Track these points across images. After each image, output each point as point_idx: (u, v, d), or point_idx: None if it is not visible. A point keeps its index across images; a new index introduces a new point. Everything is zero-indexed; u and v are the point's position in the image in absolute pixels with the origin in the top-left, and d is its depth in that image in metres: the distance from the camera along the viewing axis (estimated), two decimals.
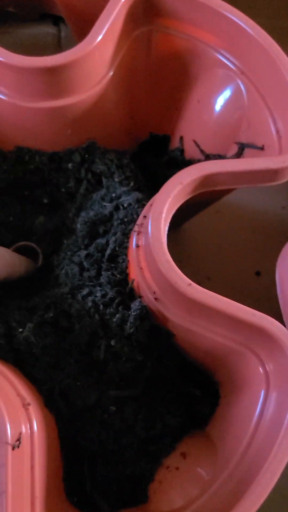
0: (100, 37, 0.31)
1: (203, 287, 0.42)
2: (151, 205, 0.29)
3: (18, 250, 0.36)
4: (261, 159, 0.29)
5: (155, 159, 0.40)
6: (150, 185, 0.38)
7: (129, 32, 0.34)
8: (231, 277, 0.44)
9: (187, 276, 0.26)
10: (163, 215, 0.27)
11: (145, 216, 0.30)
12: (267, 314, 0.40)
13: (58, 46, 0.49)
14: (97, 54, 0.32)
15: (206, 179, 0.28)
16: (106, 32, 0.32)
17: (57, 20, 0.50)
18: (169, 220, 0.28)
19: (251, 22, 0.33)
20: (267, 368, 0.27)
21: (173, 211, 0.28)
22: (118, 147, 0.39)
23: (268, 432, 0.26)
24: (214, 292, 0.42)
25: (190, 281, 0.26)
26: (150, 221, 0.27)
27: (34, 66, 0.31)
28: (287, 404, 0.25)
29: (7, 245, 0.37)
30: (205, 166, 0.28)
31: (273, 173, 0.29)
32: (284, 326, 0.25)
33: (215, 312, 0.26)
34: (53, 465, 0.27)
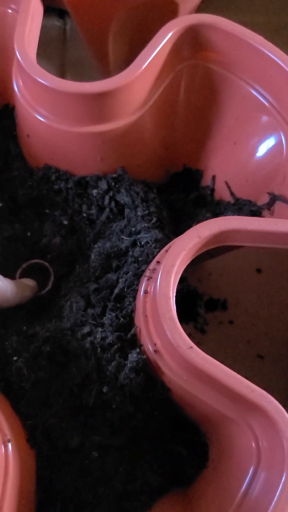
0: (143, 67, 0.30)
1: (204, 283, 0.43)
2: (166, 251, 0.28)
3: (31, 267, 0.36)
4: (287, 221, 0.27)
5: (184, 194, 0.39)
6: (174, 221, 0.37)
7: (173, 66, 0.33)
8: (232, 273, 0.44)
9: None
10: (175, 269, 0.26)
11: (158, 262, 0.28)
12: (268, 312, 0.40)
13: (64, 39, 0.49)
14: (137, 84, 0.31)
15: (226, 235, 0.27)
16: (149, 63, 0.31)
17: (62, 13, 0.49)
18: (181, 273, 0.27)
19: None
20: (260, 445, 0.26)
21: (187, 263, 0.27)
22: (148, 178, 0.38)
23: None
24: (216, 286, 0.43)
25: (191, 344, 0.25)
26: (160, 272, 0.26)
27: (74, 92, 0.30)
28: (275, 488, 0.24)
29: (21, 260, 0.36)
30: (227, 221, 0.27)
31: None
32: None
33: (213, 379, 0.24)
34: (25, 506, 0.26)
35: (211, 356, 0.41)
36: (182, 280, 0.43)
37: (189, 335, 0.41)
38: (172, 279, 0.25)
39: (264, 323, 0.42)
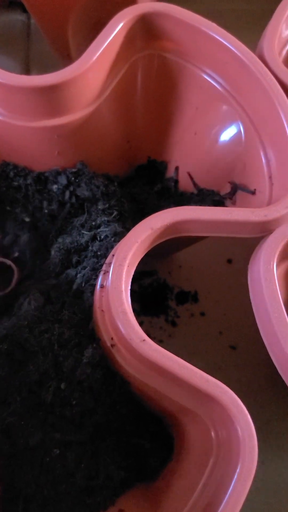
0: (94, 58, 0.30)
1: (174, 275, 0.43)
2: None
3: None
4: (241, 210, 0.27)
5: (148, 186, 0.39)
6: (138, 214, 0.37)
7: (128, 56, 0.33)
8: (203, 264, 0.43)
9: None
10: (127, 261, 0.25)
11: (113, 255, 0.28)
12: (240, 303, 0.40)
13: (28, 34, 0.49)
14: (89, 76, 0.31)
15: (180, 225, 0.27)
16: (101, 54, 0.30)
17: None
18: (135, 266, 0.26)
19: (255, 58, 0.31)
20: (220, 435, 0.26)
21: (141, 256, 0.27)
22: (111, 171, 0.37)
23: (208, 507, 0.24)
24: (186, 278, 0.43)
25: (144, 337, 0.24)
26: (112, 266, 0.25)
27: (23, 86, 0.29)
28: (231, 479, 0.24)
29: None
30: (180, 212, 0.26)
31: (253, 226, 0.27)
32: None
33: (168, 372, 0.24)
34: None
35: (183, 348, 0.41)
36: (152, 274, 0.43)
37: (160, 328, 0.41)
38: (124, 272, 0.25)
39: (236, 313, 0.42)
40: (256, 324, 0.30)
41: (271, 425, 0.39)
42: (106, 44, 0.30)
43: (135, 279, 0.43)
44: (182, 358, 0.25)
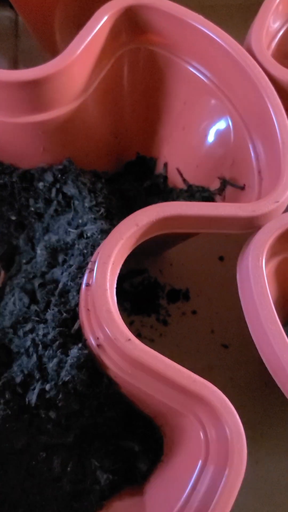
0: (78, 52, 0.29)
1: (165, 273, 0.42)
2: None
3: None
4: (228, 205, 0.26)
5: (137, 183, 0.38)
6: (127, 210, 0.36)
7: (113, 50, 0.32)
8: (194, 262, 0.43)
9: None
10: (112, 259, 0.25)
11: (99, 253, 0.27)
12: (231, 300, 0.40)
13: (16, 31, 0.48)
14: (74, 70, 0.30)
15: (166, 222, 0.26)
16: (84, 48, 0.30)
17: None
18: (120, 264, 0.26)
19: (242, 51, 0.30)
20: (209, 435, 0.25)
21: (127, 253, 0.26)
22: (99, 167, 0.37)
23: (197, 510, 0.23)
24: (177, 276, 0.42)
25: (130, 336, 0.24)
26: (96, 264, 0.25)
27: (4, 80, 0.29)
28: (220, 481, 0.23)
29: None
30: (166, 207, 0.26)
31: (241, 221, 0.27)
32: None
33: (154, 371, 0.24)
34: None
35: (175, 347, 0.41)
36: (143, 272, 0.42)
37: (151, 327, 0.41)
38: (108, 270, 0.25)
39: (228, 312, 0.42)
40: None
41: (264, 424, 0.39)
42: (90, 37, 0.30)
43: (126, 278, 0.43)
44: (173, 357, 0.24)
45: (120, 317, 0.25)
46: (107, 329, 0.24)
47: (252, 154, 0.31)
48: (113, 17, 0.30)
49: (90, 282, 0.27)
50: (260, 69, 0.30)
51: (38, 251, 0.32)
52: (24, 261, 0.33)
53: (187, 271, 0.43)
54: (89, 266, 0.27)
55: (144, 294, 0.41)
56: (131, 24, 0.31)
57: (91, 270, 0.27)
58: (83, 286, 0.27)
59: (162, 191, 0.37)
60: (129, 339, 0.23)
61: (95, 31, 0.30)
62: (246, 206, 0.26)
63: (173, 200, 0.36)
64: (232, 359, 0.40)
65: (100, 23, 0.30)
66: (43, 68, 0.28)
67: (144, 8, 0.31)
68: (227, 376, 0.40)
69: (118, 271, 0.26)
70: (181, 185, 0.36)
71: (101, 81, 0.32)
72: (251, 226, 0.27)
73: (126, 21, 0.31)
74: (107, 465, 0.27)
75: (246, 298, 0.26)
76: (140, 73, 0.34)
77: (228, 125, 0.32)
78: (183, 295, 0.42)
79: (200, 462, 0.25)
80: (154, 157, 0.39)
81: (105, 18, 0.30)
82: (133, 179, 0.38)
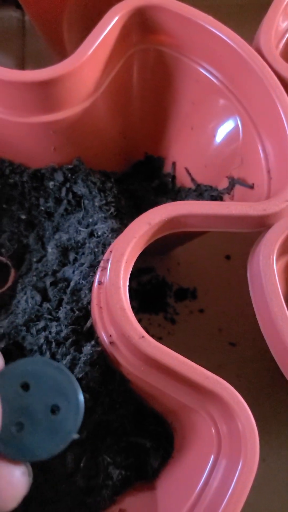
0: (89, 53, 0.30)
1: (173, 272, 0.42)
2: None
3: None
4: (239, 204, 0.27)
5: (146, 182, 0.38)
6: (135, 210, 0.36)
7: (123, 50, 0.32)
8: (201, 261, 0.43)
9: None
10: (125, 257, 0.25)
11: (111, 251, 0.28)
12: (239, 299, 0.40)
13: (23, 31, 0.48)
14: (84, 71, 0.30)
15: (178, 220, 0.26)
16: (96, 49, 0.30)
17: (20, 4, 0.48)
18: (133, 262, 0.26)
19: (252, 51, 0.30)
20: (220, 431, 0.25)
21: (139, 251, 0.27)
22: (108, 167, 0.37)
23: (210, 504, 0.24)
24: (185, 275, 0.42)
25: (143, 333, 0.24)
26: (109, 262, 0.25)
27: (17, 80, 0.29)
28: (233, 476, 0.23)
29: None
30: (177, 207, 0.26)
31: (252, 220, 0.27)
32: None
33: (167, 368, 0.24)
34: None
35: (182, 346, 0.41)
36: (151, 270, 0.43)
37: (159, 325, 0.41)
38: (122, 268, 0.25)
39: (235, 310, 0.42)
40: (255, 320, 0.29)
41: (271, 422, 0.39)
42: (101, 38, 0.30)
43: (134, 277, 0.43)
44: (181, 355, 0.24)
45: (133, 315, 0.25)
46: (121, 327, 0.24)
47: (261, 153, 0.31)
48: (123, 18, 0.31)
49: (102, 280, 0.27)
50: (269, 69, 0.30)
51: (49, 250, 0.32)
52: (34, 259, 0.33)
53: (195, 270, 0.43)
54: (102, 264, 0.28)
55: (152, 293, 0.42)
56: (141, 24, 0.32)
57: (104, 268, 0.27)
58: (96, 284, 0.27)
59: (171, 190, 0.37)
60: (143, 336, 0.24)
61: (106, 31, 0.30)
62: (257, 205, 0.27)
63: (182, 199, 0.36)
64: (239, 357, 0.41)
65: (111, 24, 0.30)
66: (55, 69, 0.29)
67: (154, 9, 0.31)
68: (234, 374, 0.40)
69: (130, 269, 0.26)
70: (189, 184, 0.37)
71: (111, 81, 0.33)
72: (261, 224, 0.27)
73: (136, 22, 0.31)
74: (119, 461, 0.27)
75: (257, 295, 0.27)
76: (149, 73, 0.34)
77: (237, 124, 0.33)
78: (191, 293, 0.42)
79: (212, 458, 0.25)
80: (161, 156, 0.39)
81: (116, 18, 0.30)
82: (141, 179, 0.39)
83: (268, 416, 0.38)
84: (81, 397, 0.14)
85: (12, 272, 0.35)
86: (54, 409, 0.14)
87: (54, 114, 0.31)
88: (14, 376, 0.14)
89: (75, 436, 0.14)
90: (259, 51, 0.31)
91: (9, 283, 0.34)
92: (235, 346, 0.41)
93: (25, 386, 0.14)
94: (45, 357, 0.27)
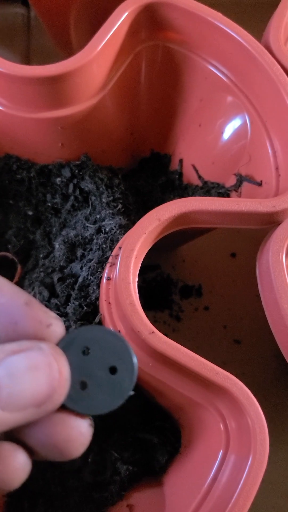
0: (98, 49, 0.30)
1: (178, 269, 0.42)
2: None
3: None
4: (249, 201, 0.27)
5: (152, 179, 0.38)
6: (142, 206, 0.36)
7: (132, 47, 0.32)
8: (207, 258, 0.43)
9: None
10: (134, 253, 0.25)
11: (120, 247, 0.28)
12: (244, 296, 0.40)
13: (28, 27, 0.48)
14: (93, 67, 0.30)
15: (187, 216, 0.26)
16: (105, 45, 0.30)
17: (26, 0, 0.48)
18: (142, 257, 0.26)
19: (261, 48, 0.30)
20: (229, 428, 0.25)
21: (148, 247, 0.27)
22: (114, 163, 0.37)
23: (219, 499, 0.24)
24: (190, 272, 0.42)
25: (153, 329, 0.24)
26: (119, 258, 0.25)
27: (27, 76, 0.29)
28: (242, 471, 0.23)
29: None
30: (187, 203, 0.26)
31: (261, 217, 0.27)
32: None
33: (177, 363, 0.24)
34: None
35: (187, 343, 0.41)
36: (156, 268, 0.43)
37: (164, 323, 0.41)
38: (131, 264, 0.25)
39: (240, 307, 0.42)
40: (260, 317, 0.29)
41: (276, 419, 0.39)
42: (110, 34, 0.30)
43: (139, 274, 0.43)
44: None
45: (143, 310, 0.25)
46: (131, 322, 0.24)
47: (270, 150, 0.31)
48: (132, 14, 0.31)
49: (111, 276, 0.27)
50: (279, 66, 0.30)
51: (57, 246, 0.32)
52: (41, 255, 0.33)
53: (200, 267, 0.43)
54: (110, 260, 0.28)
55: (157, 290, 0.42)
56: (150, 21, 0.32)
57: (113, 264, 0.27)
58: (104, 280, 0.27)
59: (177, 187, 0.37)
60: (153, 332, 0.24)
61: (115, 28, 0.30)
62: (267, 201, 0.27)
63: (189, 196, 0.36)
64: (244, 355, 0.41)
65: (120, 20, 0.30)
66: (65, 64, 0.28)
67: (163, 5, 0.31)
68: (239, 371, 0.40)
69: (139, 265, 0.26)
70: (196, 181, 0.37)
71: (119, 77, 0.33)
72: (270, 221, 0.27)
73: (145, 18, 0.31)
74: (127, 456, 0.28)
75: (266, 292, 0.27)
76: (157, 70, 0.34)
77: (245, 121, 0.33)
78: (196, 291, 0.42)
79: (220, 453, 0.25)
80: (168, 153, 0.39)
81: (125, 15, 0.30)
82: (148, 175, 0.39)
83: (273, 413, 0.38)
84: (135, 359, 0.17)
85: (19, 268, 0.35)
86: (112, 370, 0.16)
87: (62, 110, 0.31)
88: (76, 343, 0.17)
89: (131, 393, 0.18)
90: (268, 48, 0.31)
91: (16, 279, 0.34)
92: (240, 344, 0.41)
93: (86, 351, 0.16)
94: None
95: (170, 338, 0.40)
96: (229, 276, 0.43)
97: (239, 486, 0.22)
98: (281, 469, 0.37)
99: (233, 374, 0.24)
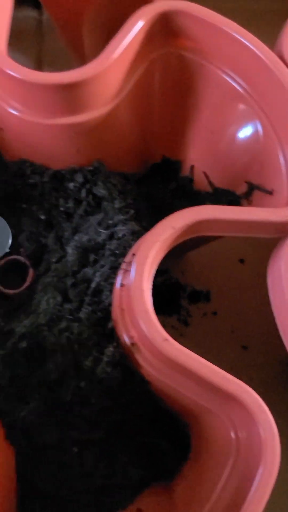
0: (114, 57, 0.30)
1: (186, 275, 0.43)
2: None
3: (9, 263, 0.35)
4: (262, 210, 0.27)
5: (163, 185, 0.38)
6: (153, 213, 0.37)
7: (147, 54, 0.33)
8: (215, 264, 0.43)
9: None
10: (149, 260, 0.25)
11: (134, 254, 0.28)
12: (252, 302, 0.40)
13: (40, 31, 0.48)
14: (109, 74, 0.30)
15: (201, 225, 0.27)
16: (122, 52, 0.30)
17: (38, 4, 0.48)
18: (156, 265, 0.26)
19: (275, 57, 0.31)
20: (240, 435, 0.26)
21: (163, 255, 0.27)
22: (127, 169, 0.37)
23: (229, 508, 0.24)
24: (199, 277, 0.42)
25: (167, 336, 0.24)
26: (133, 265, 0.25)
27: (43, 83, 0.29)
28: (252, 480, 0.24)
29: None
30: (201, 211, 0.26)
31: (274, 226, 0.27)
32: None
33: (189, 371, 0.24)
34: (4, 503, 0.26)
35: (195, 348, 0.41)
36: (164, 272, 0.43)
37: (172, 327, 0.41)
38: (146, 271, 0.25)
39: (248, 313, 0.42)
40: (268, 324, 0.30)
41: (282, 427, 0.39)
42: (126, 42, 0.30)
43: None
44: None
45: (156, 317, 0.25)
46: (144, 329, 0.24)
47: (281, 159, 0.31)
48: (149, 22, 0.31)
49: (125, 283, 0.27)
50: None
51: (69, 251, 0.32)
52: (53, 260, 0.34)
53: (208, 273, 0.43)
54: (124, 266, 0.28)
55: (166, 294, 0.42)
56: (165, 29, 0.32)
57: (126, 271, 0.28)
58: (117, 286, 0.28)
59: (188, 193, 0.38)
60: (166, 339, 0.24)
61: (131, 35, 0.30)
62: (280, 211, 0.27)
63: (199, 203, 0.36)
64: (252, 361, 0.41)
65: (137, 28, 0.30)
66: (81, 71, 0.29)
67: (178, 14, 0.31)
68: (246, 377, 0.40)
69: (153, 272, 0.26)
70: (206, 188, 0.37)
71: (134, 84, 0.33)
72: (283, 231, 0.28)
73: (160, 26, 0.31)
74: (137, 461, 0.28)
75: (278, 300, 0.27)
76: (171, 77, 0.34)
77: (258, 130, 0.33)
78: (204, 296, 0.42)
79: (231, 461, 0.25)
80: (179, 159, 0.39)
81: (141, 23, 0.30)
82: (159, 181, 0.39)
83: (281, 420, 0.38)
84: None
85: (31, 272, 0.35)
86: None
87: (77, 116, 0.31)
88: None
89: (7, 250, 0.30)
90: (281, 57, 0.32)
91: (27, 283, 0.34)
92: (248, 350, 0.41)
93: None
94: (66, 357, 0.27)
95: (178, 343, 0.41)
96: (237, 282, 0.43)
97: (249, 495, 0.22)
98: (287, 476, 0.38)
99: (240, 380, 0.24)
